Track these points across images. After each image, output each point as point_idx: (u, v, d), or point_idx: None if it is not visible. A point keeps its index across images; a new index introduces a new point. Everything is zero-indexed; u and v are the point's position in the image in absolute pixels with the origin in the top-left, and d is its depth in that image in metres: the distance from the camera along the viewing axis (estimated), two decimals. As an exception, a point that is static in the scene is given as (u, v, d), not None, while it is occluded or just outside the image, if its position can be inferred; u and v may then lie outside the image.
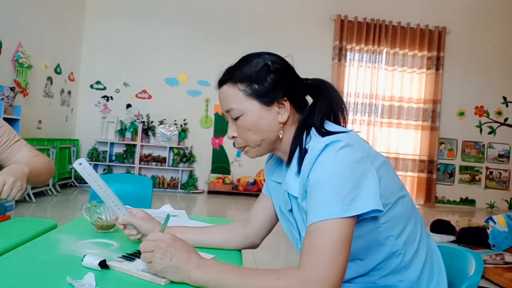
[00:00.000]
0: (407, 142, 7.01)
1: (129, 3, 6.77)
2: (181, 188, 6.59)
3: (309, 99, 1.00)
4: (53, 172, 1.54)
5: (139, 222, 1.05)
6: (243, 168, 6.82)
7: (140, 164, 6.57)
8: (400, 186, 0.92)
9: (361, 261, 0.90)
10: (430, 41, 6.98)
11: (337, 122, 0.96)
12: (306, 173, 0.84)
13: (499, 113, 7.19)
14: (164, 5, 6.79)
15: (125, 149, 6.70)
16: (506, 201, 7.13)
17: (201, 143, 6.84)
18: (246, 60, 0.95)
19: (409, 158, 7.01)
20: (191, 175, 6.74)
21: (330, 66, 6.89)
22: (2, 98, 4.27)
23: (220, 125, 6.83)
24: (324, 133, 0.88)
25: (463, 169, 7.15)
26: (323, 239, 0.75)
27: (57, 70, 5.93)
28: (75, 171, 6.07)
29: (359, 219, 0.82)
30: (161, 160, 6.67)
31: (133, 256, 0.92)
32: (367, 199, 0.78)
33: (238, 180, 6.73)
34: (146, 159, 6.65)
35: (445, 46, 7.00)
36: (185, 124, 6.78)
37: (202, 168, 6.84)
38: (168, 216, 0.92)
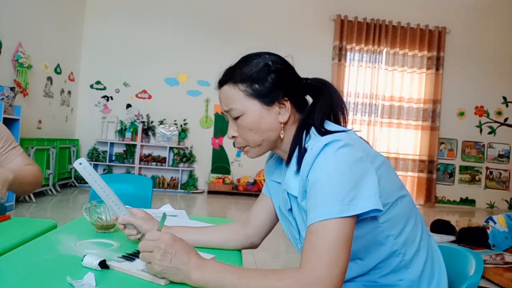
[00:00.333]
0: (407, 142, 7.01)
1: (129, 3, 6.77)
2: (181, 188, 6.59)
3: (309, 99, 1.00)
4: (39, 184, 1.54)
5: (139, 222, 1.05)
6: (243, 168, 6.83)
7: (140, 164, 6.57)
8: (400, 186, 0.92)
9: (361, 261, 0.90)
10: (430, 41, 6.98)
11: (337, 122, 0.96)
12: (306, 173, 0.84)
13: (499, 113, 7.19)
14: (164, 5, 6.79)
15: (125, 149, 6.70)
16: (506, 201, 7.13)
17: (201, 143, 6.84)
18: (247, 60, 0.95)
19: (409, 158, 7.01)
20: (191, 175, 6.74)
21: (330, 66, 6.89)
22: (2, 98, 4.27)
23: (220, 125, 6.83)
24: (323, 132, 0.88)
25: (463, 169, 7.15)
26: (324, 239, 0.75)
27: (57, 70, 5.93)
28: (75, 171, 6.07)
29: (359, 219, 0.82)
30: (161, 160, 6.67)
31: (133, 256, 0.92)
32: (367, 199, 0.78)
33: (238, 180, 6.73)
34: (146, 159, 6.65)
35: (445, 46, 7.00)
36: (185, 124, 6.78)
37: (202, 168, 6.84)
38: (164, 215, 0.91)
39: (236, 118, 0.94)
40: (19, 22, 4.83)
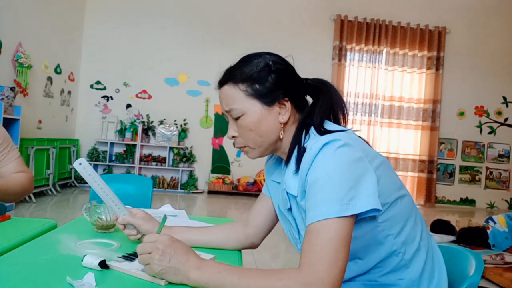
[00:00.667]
0: (407, 142, 7.01)
1: (129, 3, 6.77)
2: (181, 188, 6.59)
3: (309, 99, 1.00)
4: (27, 192, 1.54)
5: (139, 222, 1.05)
6: (243, 168, 6.83)
7: (140, 164, 6.57)
8: (400, 185, 0.92)
9: (360, 260, 0.90)
10: (430, 41, 6.98)
11: (337, 122, 0.96)
12: (305, 172, 0.84)
13: (499, 113, 7.19)
14: (165, 5, 6.79)
15: (125, 149, 6.70)
16: (506, 201, 7.13)
17: (201, 143, 6.84)
18: (247, 60, 0.95)
19: (409, 158, 7.01)
20: (191, 175, 6.74)
21: (330, 66, 6.89)
22: (2, 98, 4.27)
23: (220, 125, 6.83)
24: (323, 132, 0.88)
25: (463, 169, 7.15)
26: (323, 239, 0.76)
27: (57, 70, 5.93)
28: (75, 171, 6.07)
29: (358, 218, 0.82)
30: (161, 160, 6.67)
31: (133, 256, 0.92)
32: (366, 199, 0.78)
33: (238, 180, 6.73)
34: (146, 159, 6.65)
35: (445, 46, 7.00)
36: (185, 124, 6.78)
37: (202, 168, 6.84)
38: (165, 217, 0.91)
39: (236, 118, 0.94)
40: (19, 22, 4.83)
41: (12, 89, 4.44)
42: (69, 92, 6.39)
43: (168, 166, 6.64)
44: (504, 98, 7.18)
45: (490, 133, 7.18)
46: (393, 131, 6.97)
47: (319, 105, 0.94)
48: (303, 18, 6.95)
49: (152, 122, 6.74)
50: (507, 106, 7.19)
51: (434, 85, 6.94)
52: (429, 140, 6.95)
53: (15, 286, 0.75)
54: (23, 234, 1.10)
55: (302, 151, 0.88)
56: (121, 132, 6.65)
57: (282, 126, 0.94)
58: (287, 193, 0.94)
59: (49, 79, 5.70)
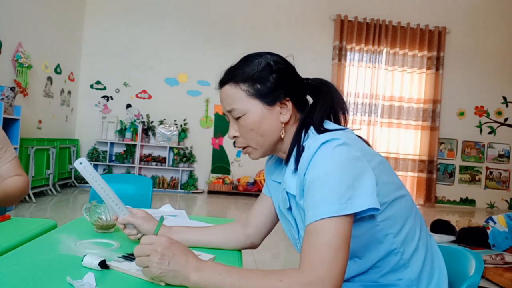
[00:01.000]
0: (407, 142, 7.01)
1: (129, 3, 6.77)
2: (181, 188, 6.59)
3: (310, 99, 1.00)
4: (20, 196, 1.53)
5: (139, 222, 1.05)
6: (243, 168, 6.82)
7: (140, 164, 6.57)
8: (399, 185, 0.92)
9: (359, 259, 0.90)
10: (430, 41, 6.98)
11: (337, 121, 0.96)
12: (303, 171, 0.84)
13: (499, 113, 7.19)
14: (165, 5, 6.79)
15: (125, 149, 6.69)
16: (506, 201, 7.13)
17: (201, 143, 6.84)
18: (248, 60, 0.95)
19: (409, 158, 7.01)
20: (191, 175, 6.74)
21: (330, 66, 6.89)
22: (2, 98, 4.27)
23: (220, 125, 6.83)
24: (321, 131, 0.88)
25: (463, 169, 7.15)
26: (322, 239, 0.75)
27: (57, 70, 5.93)
28: (75, 171, 6.07)
29: (356, 218, 0.82)
30: (161, 160, 6.67)
31: (133, 256, 0.92)
32: (364, 198, 0.78)
33: (238, 180, 6.73)
34: (146, 159, 6.65)
35: (445, 46, 7.00)
36: (185, 124, 6.78)
37: (202, 168, 6.84)
38: (161, 218, 0.91)
39: (237, 118, 0.94)
40: (19, 22, 4.83)
41: (12, 89, 4.44)
42: (69, 92, 6.39)
43: (168, 166, 6.64)
44: (504, 98, 7.18)
45: (490, 133, 7.18)
46: (393, 131, 6.97)
47: (319, 105, 0.94)
48: (303, 18, 6.95)
49: (152, 122, 6.74)
50: (507, 106, 7.19)
51: (434, 85, 6.94)
52: (429, 140, 6.95)
53: (15, 286, 0.75)
54: (23, 234, 1.10)
55: (301, 150, 0.88)
56: (121, 132, 6.65)
57: (283, 126, 0.94)
58: (286, 192, 0.94)
59: (49, 79, 5.70)
